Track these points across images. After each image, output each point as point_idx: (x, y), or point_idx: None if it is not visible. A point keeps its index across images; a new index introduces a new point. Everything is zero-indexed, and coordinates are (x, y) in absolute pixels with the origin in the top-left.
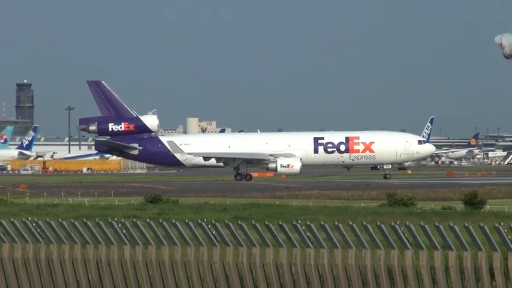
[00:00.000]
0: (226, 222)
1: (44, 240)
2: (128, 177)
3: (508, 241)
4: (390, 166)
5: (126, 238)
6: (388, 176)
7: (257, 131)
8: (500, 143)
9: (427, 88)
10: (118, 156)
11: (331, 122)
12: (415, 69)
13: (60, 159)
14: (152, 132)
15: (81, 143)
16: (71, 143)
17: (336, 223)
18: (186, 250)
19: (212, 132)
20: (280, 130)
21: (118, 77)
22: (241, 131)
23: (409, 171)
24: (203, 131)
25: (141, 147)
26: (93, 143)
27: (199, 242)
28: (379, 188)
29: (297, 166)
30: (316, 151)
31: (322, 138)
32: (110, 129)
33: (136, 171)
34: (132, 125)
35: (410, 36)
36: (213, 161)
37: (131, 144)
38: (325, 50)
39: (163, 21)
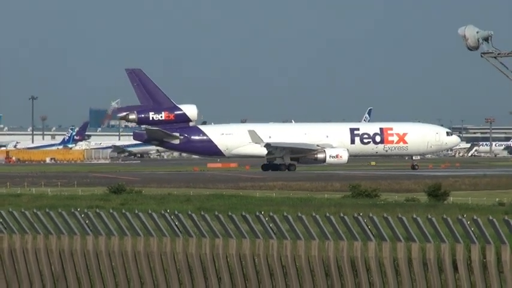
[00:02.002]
0: (189, 213)
1: (7, 231)
2: (91, 167)
3: (471, 233)
4: (419, 157)
5: (89, 228)
6: (417, 167)
7: (292, 121)
8: (464, 135)
9: (392, 79)
10: (157, 146)
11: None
12: (378, 61)
13: (23, 149)
14: (191, 121)
15: (45, 132)
16: (34, 132)
17: (299, 214)
18: (149, 241)
19: None
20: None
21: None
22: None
23: (373, 163)
24: None
25: (182, 137)
26: (62, 133)
27: (162, 232)
28: (342, 179)
29: (345, 156)
30: (352, 142)
31: (358, 129)
32: (151, 118)
33: (100, 162)
34: (172, 114)
35: (375, 26)
36: (254, 151)
37: (174, 133)
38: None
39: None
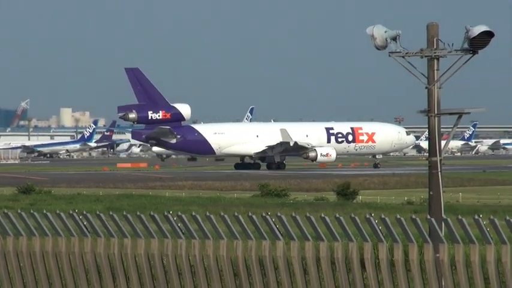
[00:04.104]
0: (98, 213)
1: None
2: (0, 167)
3: (379, 232)
4: (382, 156)
5: None
6: (379, 165)
7: (271, 121)
8: None
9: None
10: (154, 146)
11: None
12: (296, 64)
13: None
14: (184, 120)
15: None
16: None
17: (208, 214)
18: (57, 241)
19: (86, 123)
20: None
21: None
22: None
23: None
24: (76, 121)
25: (179, 136)
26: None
27: (71, 232)
28: (252, 178)
29: (333, 155)
30: (328, 141)
31: (332, 128)
32: (149, 118)
33: (9, 162)
34: (169, 114)
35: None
36: (244, 150)
37: (176, 133)
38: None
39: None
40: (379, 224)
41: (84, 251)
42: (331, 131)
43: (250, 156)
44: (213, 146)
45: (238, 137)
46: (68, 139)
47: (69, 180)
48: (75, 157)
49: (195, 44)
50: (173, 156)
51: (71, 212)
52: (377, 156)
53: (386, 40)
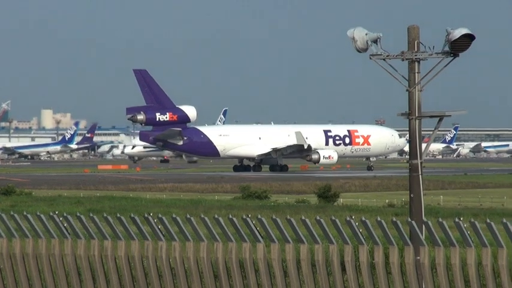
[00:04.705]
0: (78, 214)
1: None
2: None
3: (360, 234)
4: (375, 159)
5: None
6: (373, 168)
7: (271, 123)
8: None
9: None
10: (161, 147)
11: None
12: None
13: None
14: (190, 122)
15: None
16: None
17: (188, 216)
18: (38, 243)
19: (68, 125)
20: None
21: None
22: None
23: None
24: (57, 123)
25: (185, 138)
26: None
27: (51, 234)
28: (233, 181)
29: (335, 157)
30: (327, 143)
31: (330, 131)
32: (157, 119)
33: None
34: (176, 115)
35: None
36: (248, 152)
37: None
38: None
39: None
40: (360, 226)
41: (65, 253)
42: (329, 134)
43: (249, 159)
44: (218, 148)
45: (242, 139)
46: (49, 141)
47: (50, 182)
48: (56, 159)
49: (190, 43)
50: (145, 158)
51: (51, 213)
52: (371, 159)
53: (367, 43)
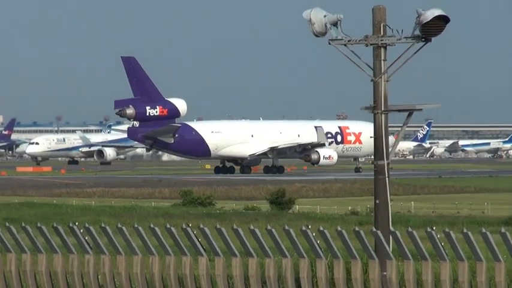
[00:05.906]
0: None
1: None
2: None
3: (317, 246)
4: (364, 159)
5: None
6: (361, 170)
7: (259, 119)
8: None
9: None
10: (150, 146)
11: None
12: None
13: None
14: (179, 116)
15: None
16: None
17: (120, 225)
18: None
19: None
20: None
21: None
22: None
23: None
24: None
25: (177, 135)
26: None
27: None
28: (172, 185)
29: (335, 158)
30: None
31: (321, 127)
32: (148, 114)
33: None
34: (166, 109)
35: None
36: (240, 152)
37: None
38: None
39: None
40: (318, 237)
41: None
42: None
43: (242, 159)
44: (210, 147)
45: (233, 136)
46: None
47: None
48: None
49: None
50: (51, 158)
51: None
52: (359, 159)
53: (325, 26)
